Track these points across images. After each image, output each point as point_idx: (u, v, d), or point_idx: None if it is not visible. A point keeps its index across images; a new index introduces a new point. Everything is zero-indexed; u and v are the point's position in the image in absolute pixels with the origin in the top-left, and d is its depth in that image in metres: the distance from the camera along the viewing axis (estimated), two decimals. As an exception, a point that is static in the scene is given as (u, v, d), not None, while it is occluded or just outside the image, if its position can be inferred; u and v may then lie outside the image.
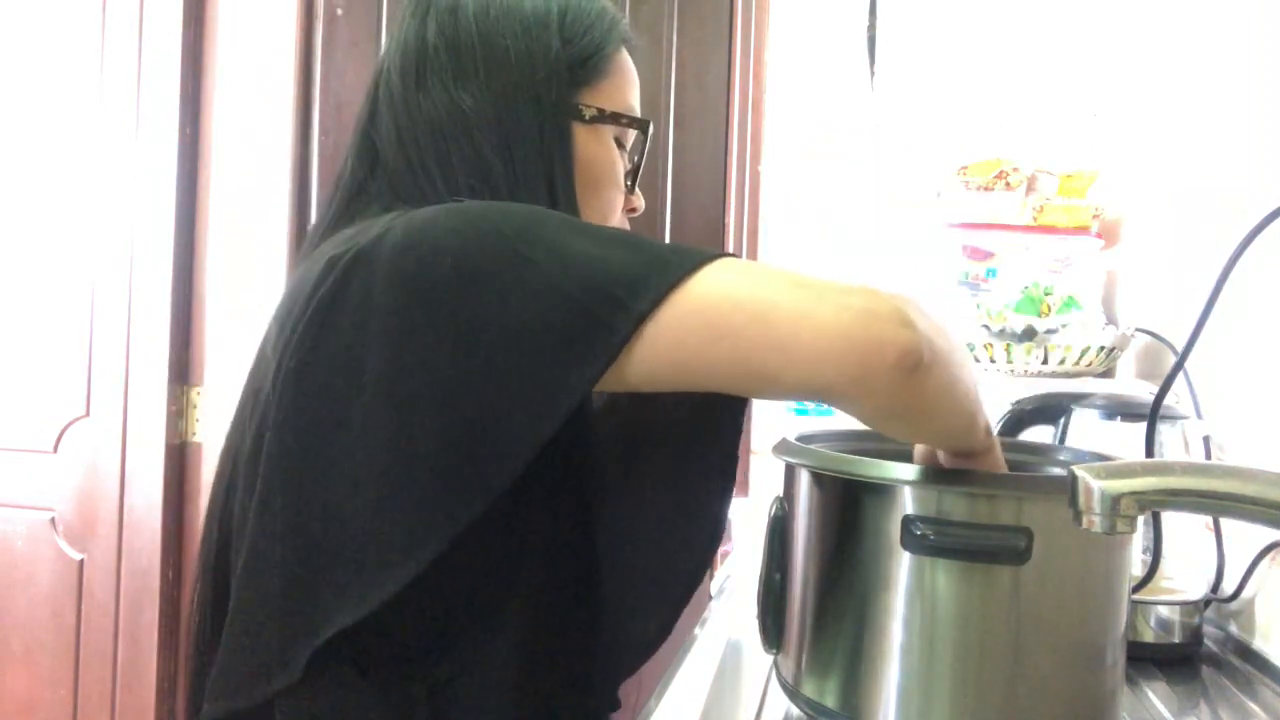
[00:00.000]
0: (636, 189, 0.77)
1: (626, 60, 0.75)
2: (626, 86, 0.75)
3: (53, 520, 1.86)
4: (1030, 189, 1.56)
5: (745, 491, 1.78)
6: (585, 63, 0.71)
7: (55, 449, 1.86)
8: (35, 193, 1.89)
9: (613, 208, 0.74)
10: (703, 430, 0.71)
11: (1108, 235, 1.51)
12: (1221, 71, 1.19)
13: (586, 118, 0.71)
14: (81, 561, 1.84)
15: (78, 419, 1.85)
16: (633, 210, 0.78)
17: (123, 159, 1.83)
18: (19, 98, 1.90)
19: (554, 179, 0.68)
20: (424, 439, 0.54)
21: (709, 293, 0.53)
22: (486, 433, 0.53)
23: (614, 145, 0.73)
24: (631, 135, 0.75)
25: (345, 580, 0.55)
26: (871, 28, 1.72)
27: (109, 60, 1.85)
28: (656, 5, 1.82)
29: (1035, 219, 1.51)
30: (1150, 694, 0.86)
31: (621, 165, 0.74)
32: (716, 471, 0.71)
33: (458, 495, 0.54)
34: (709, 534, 0.71)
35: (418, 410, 0.54)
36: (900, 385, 0.52)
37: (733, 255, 0.56)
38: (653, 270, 0.53)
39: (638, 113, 0.76)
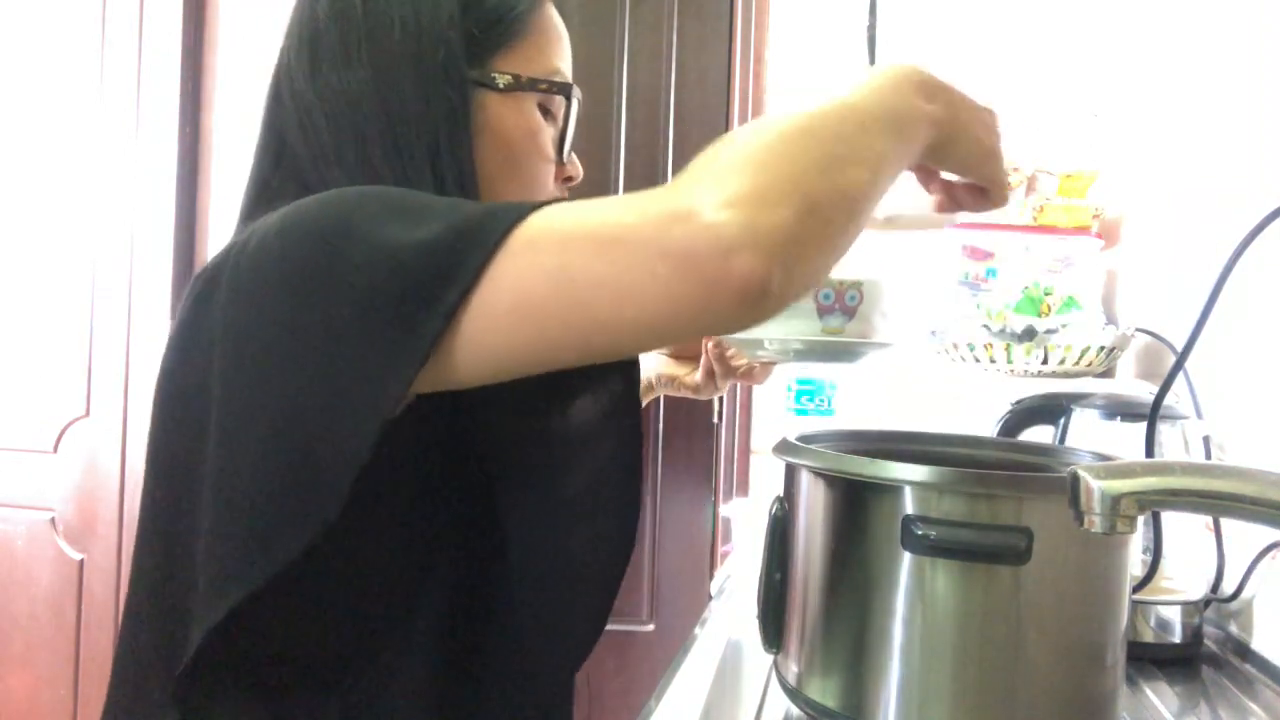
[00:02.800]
0: (571, 157, 0.72)
1: (549, 18, 0.70)
2: (549, 47, 0.69)
3: (53, 520, 1.86)
4: (1030, 189, 1.56)
5: (745, 491, 1.78)
6: (494, 26, 0.66)
7: (55, 449, 1.87)
8: (36, 193, 1.89)
9: (537, 180, 0.69)
10: (602, 422, 0.65)
11: (1108, 235, 1.51)
12: (1221, 71, 1.19)
13: (500, 86, 0.66)
14: (81, 561, 1.84)
15: (78, 419, 1.85)
16: (569, 179, 0.73)
17: (123, 159, 1.83)
18: (19, 98, 1.89)
19: (440, 157, 0.63)
20: (250, 458, 0.50)
21: (520, 278, 0.48)
22: (310, 447, 0.49)
23: (536, 113, 0.68)
24: (560, 101, 0.70)
25: (198, 610, 0.52)
26: (871, 27, 1.72)
27: (109, 60, 1.85)
28: (656, 5, 1.82)
29: (1035, 219, 1.51)
30: (1150, 694, 0.86)
31: (547, 133, 0.69)
32: (621, 461, 0.65)
33: (282, 519, 0.50)
34: (630, 504, 0.65)
35: (247, 428, 0.51)
36: (755, 308, 0.46)
37: (543, 205, 0.51)
38: (462, 249, 0.49)
39: (566, 72, 0.70)
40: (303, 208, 0.53)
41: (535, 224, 0.49)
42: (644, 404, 0.99)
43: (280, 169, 0.66)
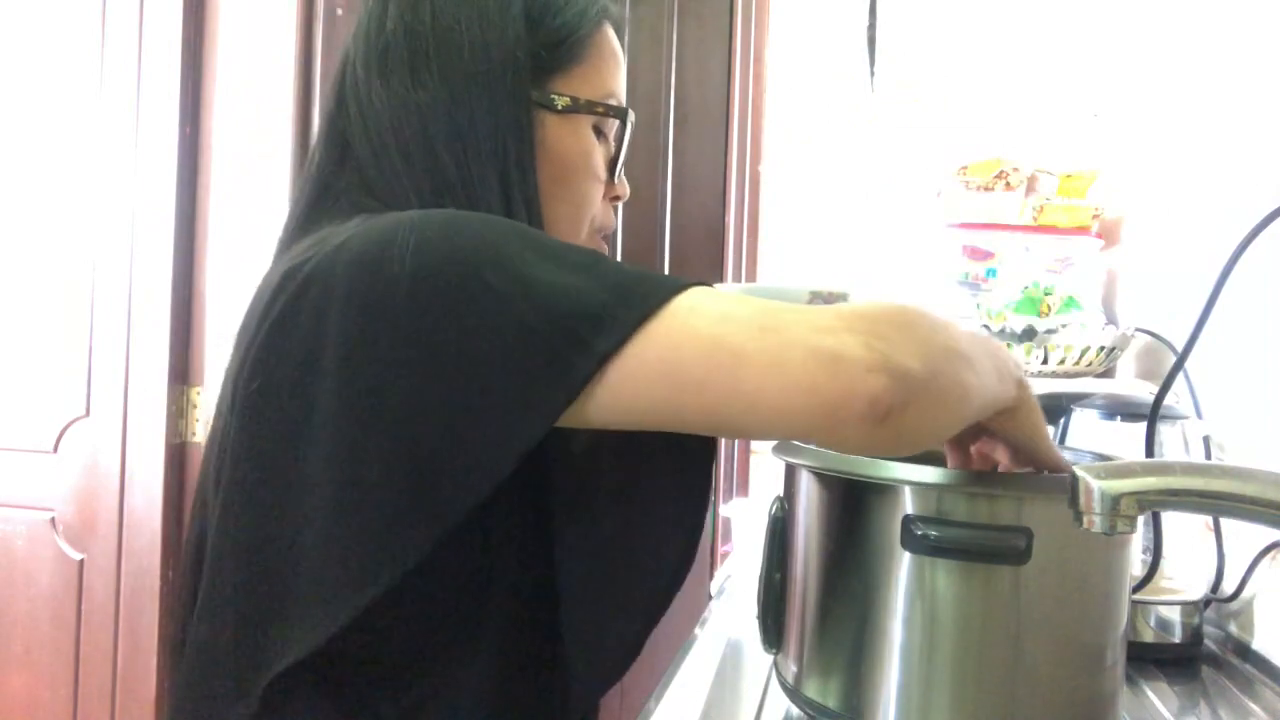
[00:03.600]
0: (620, 177, 0.74)
1: (607, 40, 0.71)
2: (605, 70, 0.70)
3: (53, 520, 1.86)
4: (1030, 189, 1.56)
5: (745, 491, 1.78)
6: (556, 48, 0.67)
7: (55, 449, 1.87)
8: (35, 193, 1.89)
9: (588, 200, 0.71)
10: (674, 449, 0.67)
11: (1108, 235, 1.51)
12: (1222, 72, 1.19)
13: (559, 108, 0.67)
14: (81, 561, 1.84)
15: (78, 419, 1.85)
16: (616, 198, 0.75)
17: (123, 159, 1.83)
18: (19, 98, 1.90)
19: (508, 176, 0.64)
20: (374, 471, 0.51)
21: (673, 338, 0.51)
22: (439, 467, 0.51)
23: (591, 135, 0.70)
24: (613, 123, 0.72)
25: (296, 616, 0.53)
26: (871, 28, 1.72)
27: (109, 60, 1.85)
28: (656, 5, 1.82)
29: (1035, 219, 1.51)
30: (1150, 694, 0.86)
31: (600, 155, 0.71)
32: (690, 488, 0.67)
33: (405, 532, 0.52)
34: (681, 551, 0.67)
35: (369, 440, 0.51)
36: (871, 432, 0.50)
37: (701, 285, 0.54)
38: (618, 304, 0.51)
39: (620, 95, 0.72)
40: (435, 226, 0.54)
41: (698, 295, 0.52)
42: None
43: (344, 173, 0.66)
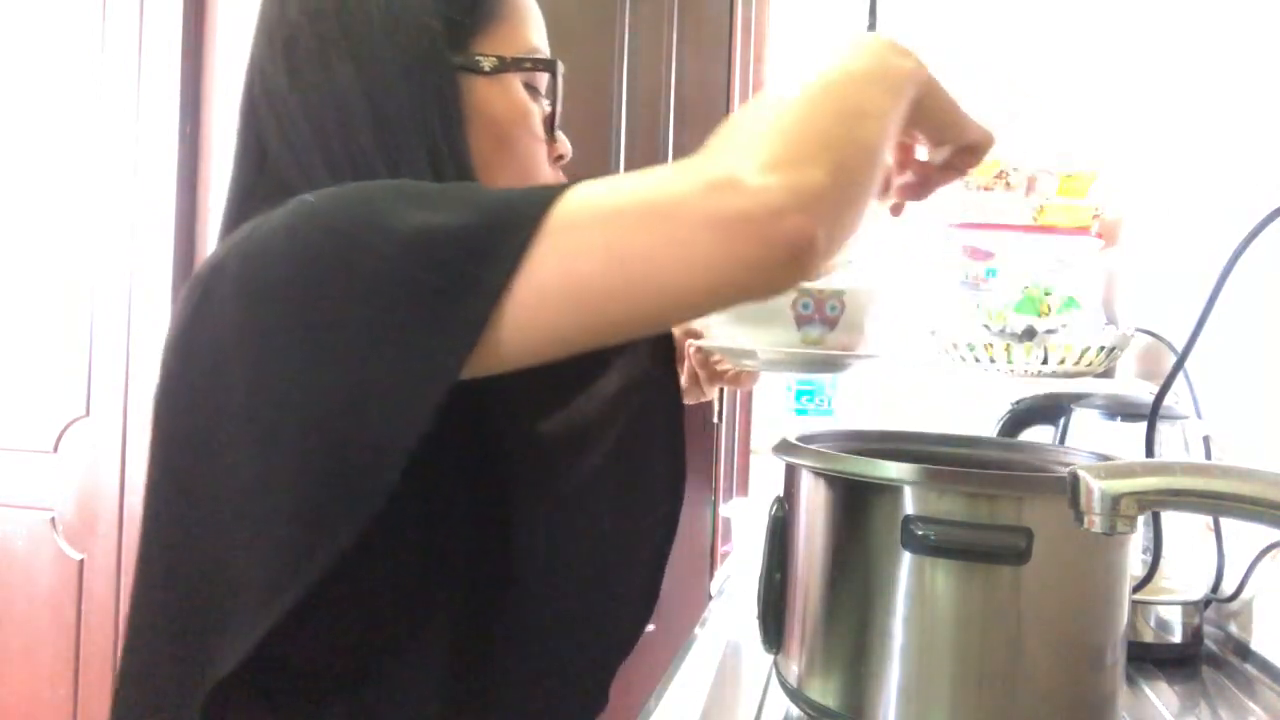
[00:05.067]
0: (559, 135, 0.70)
1: None
2: (525, 25, 0.67)
3: (53, 520, 1.86)
4: (1030, 189, 1.56)
5: (745, 491, 1.78)
6: (472, 9, 0.64)
7: (55, 449, 1.87)
8: (35, 192, 1.89)
9: (533, 163, 0.68)
10: (640, 434, 0.65)
11: (1108, 235, 1.51)
12: (1222, 72, 1.19)
13: (486, 69, 0.64)
14: (81, 561, 1.84)
15: (78, 419, 1.85)
16: (560, 158, 0.71)
17: (123, 157, 1.83)
18: (19, 97, 1.89)
19: (437, 150, 0.61)
20: (290, 462, 0.49)
21: (563, 255, 0.48)
22: (349, 447, 0.49)
23: (524, 93, 0.66)
24: (544, 78, 0.68)
25: (230, 625, 0.51)
26: (871, 28, 1.72)
27: (109, 60, 1.85)
28: (656, 5, 1.82)
29: (1035, 219, 1.51)
30: (1150, 694, 0.86)
31: (537, 112, 0.67)
32: (661, 475, 0.65)
33: (327, 523, 0.49)
34: (657, 546, 0.65)
35: (280, 431, 0.49)
36: (803, 268, 0.47)
37: (574, 185, 0.50)
38: (497, 231, 0.48)
39: (544, 50, 0.69)
40: (310, 205, 0.52)
41: (571, 203, 0.49)
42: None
43: (264, 176, 0.64)
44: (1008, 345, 1.35)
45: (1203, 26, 1.27)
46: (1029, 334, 1.34)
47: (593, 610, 0.65)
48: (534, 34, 0.68)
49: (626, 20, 1.82)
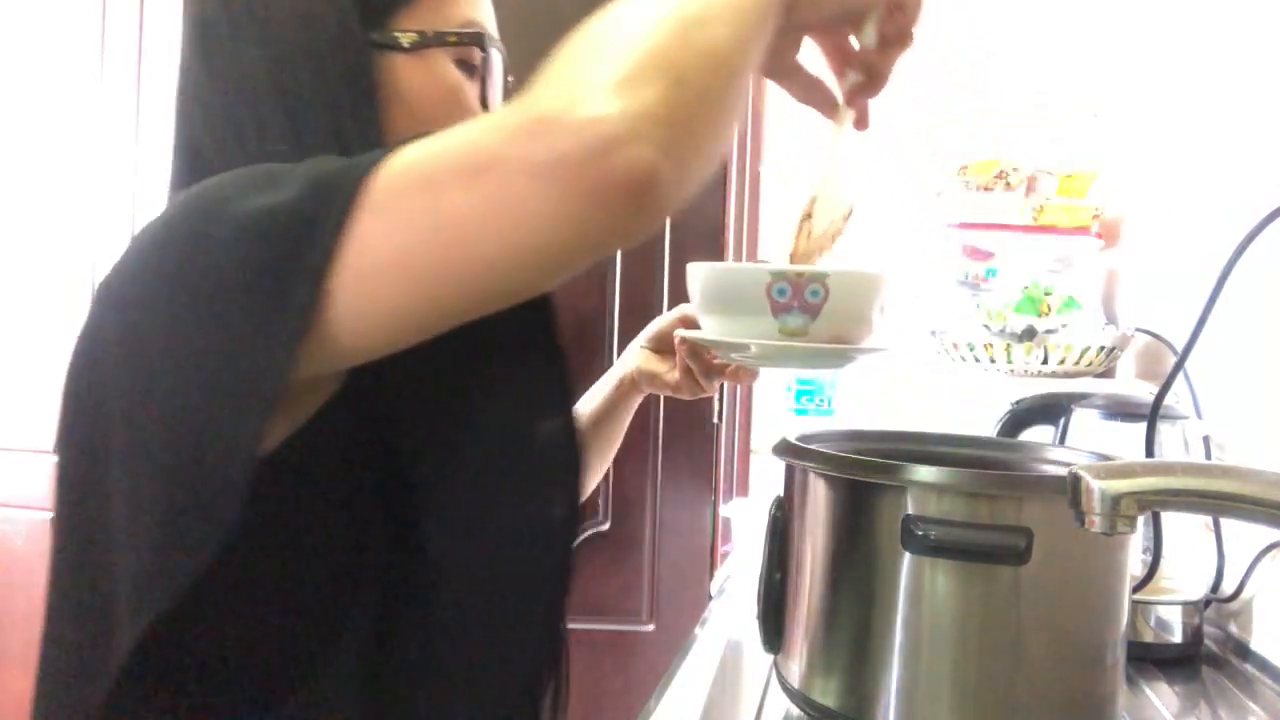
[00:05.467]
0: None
1: None
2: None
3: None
4: (1030, 189, 1.56)
5: (745, 491, 1.78)
6: None
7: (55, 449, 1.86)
8: (36, 192, 1.89)
9: None
10: (518, 371, 0.60)
11: (1108, 235, 1.51)
12: (1222, 71, 1.19)
13: (405, 45, 0.60)
14: (81, 561, 1.84)
15: (78, 419, 1.85)
16: None
17: (123, 157, 1.83)
18: (19, 98, 1.90)
19: (344, 133, 0.57)
20: (149, 481, 0.47)
21: (386, 228, 0.44)
22: (204, 449, 0.46)
23: (453, 71, 0.62)
24: (483, 55, 0.63)
25: (110, 631, 0.50)
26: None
27: (109, 60, 1.85)
28: (656, 5, 1.82)
29: (1035, 219, 1.51)
30: (1150, 694, 0.86)
31: (471, 91, 0.63)
32: (559, 465, 0.60)
33: (182, 540, 0.47)
34: (555, 555, 0.60)
35: (145, 448, 0.47)
36: (651, 208, 0.42)
37: (404, 146, 0.46)
38: (319, 205, 0.45)
39: (484, 22, 0.64)
40: (178, 201, 0.50)
41: (394, 169, 0.45)
42: (631, 401, 0.96)
43: (194, 174, 0.59)
44: (1008, 345, 1.35)
45: (1203, 26, 1.27)
46: (1029, 334, 1.34)
47: (503, 618, 0.60)
48: (469, 8, 0.63)
49: None
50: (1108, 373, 1.40)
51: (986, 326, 1.37)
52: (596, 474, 1.02)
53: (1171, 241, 1.32)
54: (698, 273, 0.65)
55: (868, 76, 0.61)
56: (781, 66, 0.62)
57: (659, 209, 0.43)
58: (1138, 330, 1.34)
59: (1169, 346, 1.24)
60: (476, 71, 0.64)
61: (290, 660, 0.55)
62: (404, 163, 0.45)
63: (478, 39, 0.62)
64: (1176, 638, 0.95)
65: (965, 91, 1.70)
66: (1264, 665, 0.92)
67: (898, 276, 0.64)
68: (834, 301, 0.61)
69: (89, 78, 1.86)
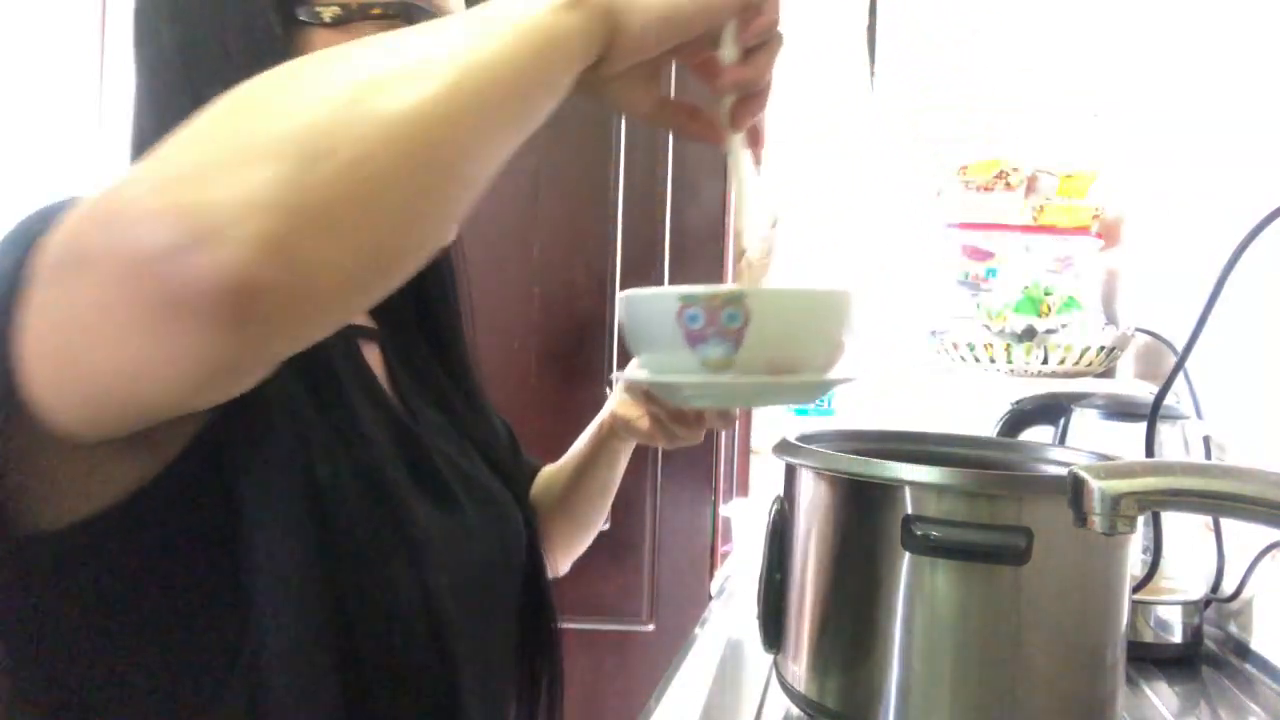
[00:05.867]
0: None
1: None
2: None
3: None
4: (1030, 189, 1.56)
5: (745, 491, 1.78)
6: None
7: (55, 449, 1.86)
8: (35, 193, 1.89)
9: None
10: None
11: (1108, 235, 1.51)
12: (1222, 71, 1.19)
13: (327, 19, 0.56)
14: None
15: (78, 419, 1.85)
16: None
17: (122, 159, 1.83)
18: (19, 98, 1.90)
19: None
20: None
21: (44, 305, 0.37)
22: None
23: None
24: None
25: None
26: (871, 28, 1.72)
27: (109, 60, 1.85)
28: (656, 5, 1.82)
29: (1035, 219, 1.51)
30: (1150, 694, 0.86)
31: None
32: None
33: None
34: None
35: None
36: (267, 318, 0.33)
37: (52, 210, 0.40)
38: (4, 269, 0.38)
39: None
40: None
41: (59, 233, 0.36)
42: (613, 449, 0.85)
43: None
44: (1008, 345, 1.35)
45: (1203, 26, 1.27)
46: (1029, 334, 1.34)
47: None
48: None
49: None
50: (1108, 373, 1.40)
51: (986, 326, 1.37)
52: (580, 523, 0.90)
53: (1171, 241, 1.32)
54: (619, 303, 0.57)
55: (743, 93, 0.54)
56: (644, 106, 0.54)
57: (275, 323, 0.34)
58: (1138, 330, 1.34)
59: (1169, 346, 1.24)
60: None
61: (168, 703, 0.51)
62: (63, 231, 0.36)
63: (405, 10, 0.56)
64: (1176, 638, 0.95)
65: (966, 92, 1.70)
66: (1264, 665, 0.92)
67: (856, 290, 0.55)
68: (759, 326, 0.51)
69: (89, 77, 1.86)
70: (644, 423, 0.81)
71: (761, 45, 0.52)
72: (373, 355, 0.67)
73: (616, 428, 0.83)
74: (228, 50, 0.54)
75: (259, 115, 0.34)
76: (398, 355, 0.70)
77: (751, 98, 0.54)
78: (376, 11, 0.56)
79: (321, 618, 0.51)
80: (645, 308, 0.54)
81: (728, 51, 0.52)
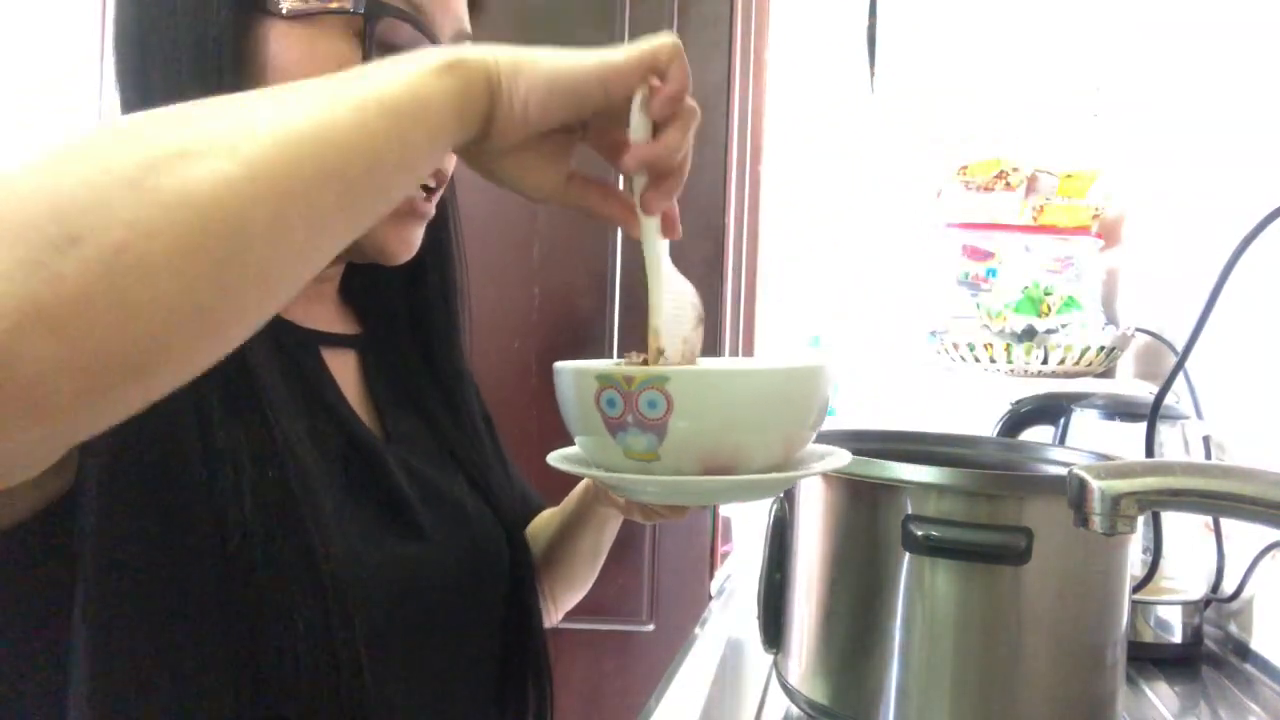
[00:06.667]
0: None
1: None
2: None
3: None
4: (1030, 189, 1.56)
5: (745, 491, 1.78)
6: None
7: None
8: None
9: None
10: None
11: (1108, 235, 1.51)
12: (1222, 71, 1.19)
13: (284, 12, 0.53)
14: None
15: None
16: None
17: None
18: (19, 98, 1.90)
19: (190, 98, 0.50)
20: None
21: None
22: None
23: (340, 42, 0.53)
24: (403, 28, 0.55)
25: None
26: (871, 27, 1.72)
27: (109, 60, 1.85)
28: (656, 6, 1.82)
29: (1035, 219, 1.51)
30: (1150, 694, 0.86)
31: (357, 63, 0.53)
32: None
33: None
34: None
35: None
36: (33, 421, 0.29)
37: None
38: None
39: None
40: None
41: None
42: (597, 515, 0.78)
43: None
44: (1008, 345, 1.35)
45: (1204, 26, 1.27)
46: (1029, 334, 1.34)
47: None
48: None
49: (626, 20, 1.82)
50: (1108, 373, 1.40)
51: (986, 326, 1.37)
52: (570, 583, 0.84)
53: (1171, 241, 1.32)
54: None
55: (654, 173, 0.49)
56: (548, 185, 0.49)
57: (37, 418, 0.29)
58: (1138, 330, 1.34)
59: (1169, 346, 1.24)
60: (385, 46, 0.54)
61: None
62: None
63: (379, 7, 0.53)
64: (1176, 638, 0.95)
65: (966, 92, 1.70)
66: (1264, 665, 0.92)
67: (820, 366, 0.48)
68: (684, 416, 0.44)
69: (89, 78, 1.86)
70: (619, 497, 0.74)
71: (673, 120, 0.47)
72: (345, 363, 0.65)
73: (599, 495, 0.77)
74: (175, 36, 0.53)
75: (29, 184, 0.30)
76: (381, 363, 0.68)
77: (664, 178, 0.49)
78: (333, 6, 0.53)
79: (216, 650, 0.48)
80: (564, 385, 0.48)
81: (635, 126, 0.46)
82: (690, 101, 0.48)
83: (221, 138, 0.32)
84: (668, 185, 0.49)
